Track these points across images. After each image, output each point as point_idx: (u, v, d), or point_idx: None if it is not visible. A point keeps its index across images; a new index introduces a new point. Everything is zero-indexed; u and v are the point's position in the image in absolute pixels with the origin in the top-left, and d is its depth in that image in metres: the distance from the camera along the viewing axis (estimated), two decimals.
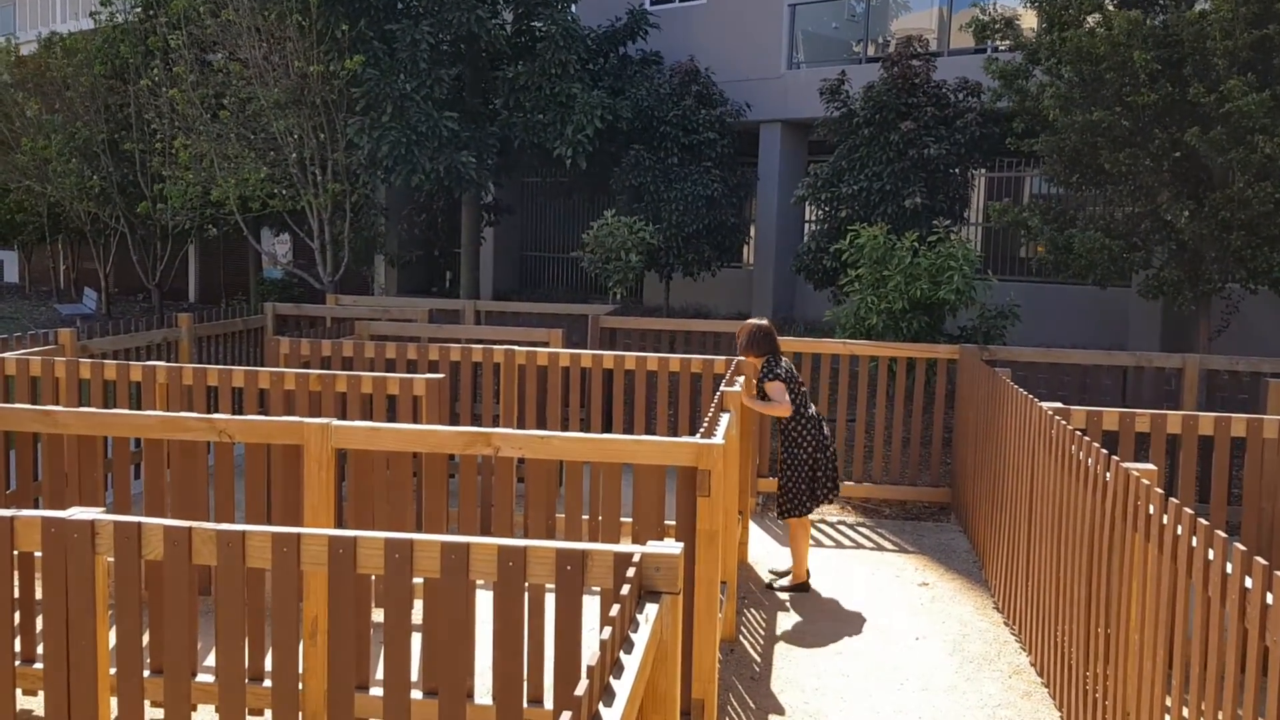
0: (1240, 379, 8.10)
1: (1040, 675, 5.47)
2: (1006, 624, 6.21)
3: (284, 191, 14.53)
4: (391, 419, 6.34)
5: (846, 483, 8.76)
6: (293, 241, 18.36)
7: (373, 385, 6.29)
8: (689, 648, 4.60)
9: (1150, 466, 4.32)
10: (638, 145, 15.10)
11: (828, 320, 10.87)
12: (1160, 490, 3.92)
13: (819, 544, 7.75)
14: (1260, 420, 5.56)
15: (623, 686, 2.52)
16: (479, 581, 4.19)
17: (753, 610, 6.40)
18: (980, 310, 10.05)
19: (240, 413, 6.57)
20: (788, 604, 6.51)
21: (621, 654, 2.73)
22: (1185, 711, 3.66)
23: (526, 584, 3.28)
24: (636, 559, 3.09)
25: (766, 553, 7.51)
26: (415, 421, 6.17)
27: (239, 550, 3.26)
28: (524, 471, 5.16)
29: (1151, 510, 3.95)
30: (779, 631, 6.07)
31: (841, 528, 8.18)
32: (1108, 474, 4.42)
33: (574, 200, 19.30)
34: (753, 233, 17.60)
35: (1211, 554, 3.46)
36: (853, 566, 7.24)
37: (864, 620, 6.24)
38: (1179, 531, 3.70)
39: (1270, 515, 5.58)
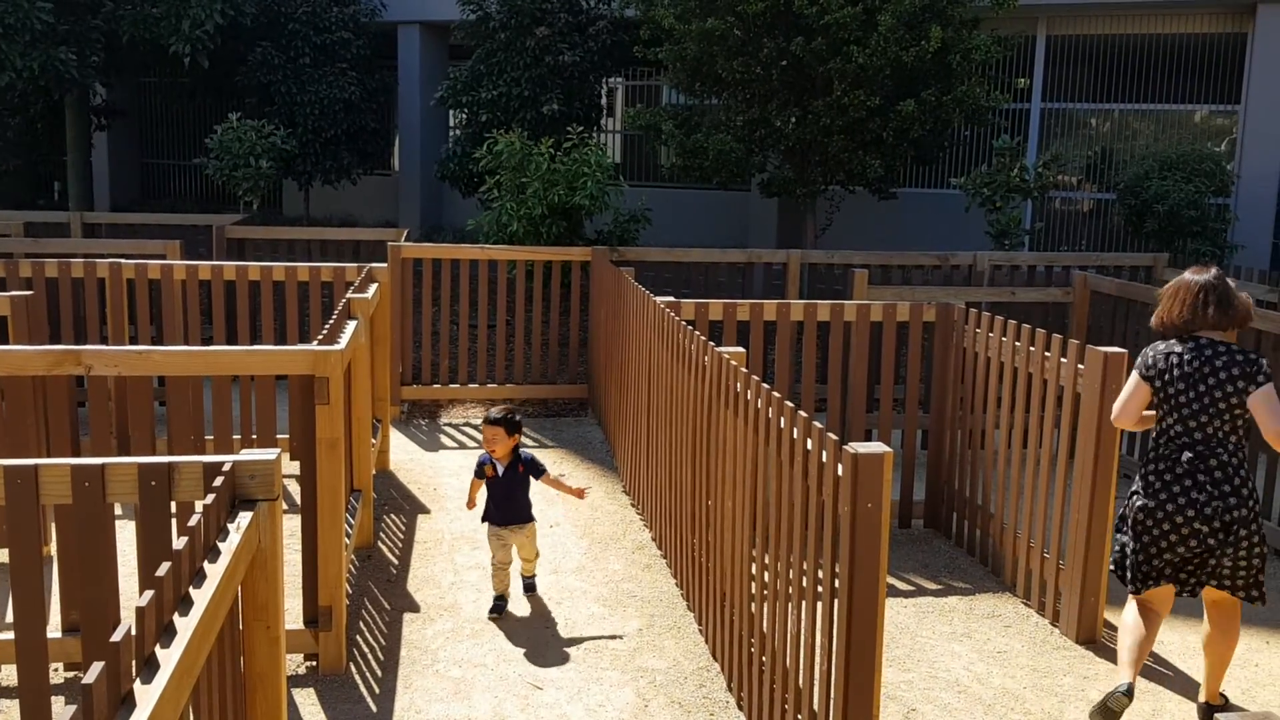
0: (835, 271, 8.97)
1: (660, 549, 5.91)
2: (633, 505, 6.63)
3: None
4: None
5: (490, 385, 8.91)
6: None
7: None
8: (312, 556, 4.56)
9: (739, 349, 4.71)
10: (265, 43, 14.19)
11: (471, 227, 10.87)
12: (745, 370, 4.30)
13: (462, 446, 7.87)
14: (841, 305, 6.20)
15: (201, 595, 2.46)
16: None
17: (392, 515, 6.42)
18: (614, 214, 10.43)
19: None
20: (429, 507, 6.58)
21: (207, 563, 2.67)
22: (767, 562, 4.09)
23: (111, 506, 3.11)
24: (227, 467, 3.01)
25: (409, 458, 7.53)
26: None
27: None
28: (163, 394, 4.85)
29: (739, 388, 4.33)
30: (418, 534, 6.13)
31: None
32: (706, 358, 4.78)
33: (198, 103, 17.89)
34: (397, 139, 17.15)
35: (784, 423, 3.85)
36: None
37: None
38: (759, 405, 4.09)
39: (852, 390, 6.27)
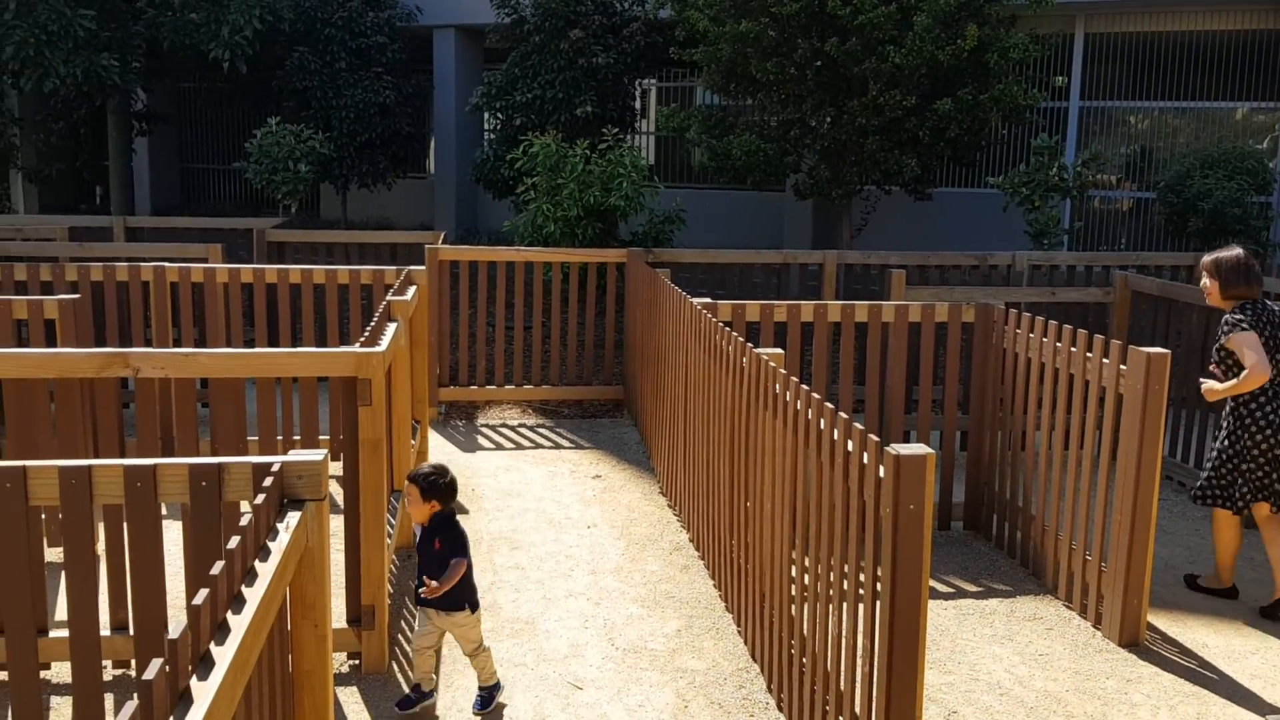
0: (871, 272, 8.94)
1: (697, 550, 5.91)
2: (670, 507, 6.64)
3: None
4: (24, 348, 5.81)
5: (526, 386, 8.96)
6: None
7: None
8: (356, 556, 4.61)
9: (778, 350, 4.72)
10: (302, 48, 14.33)
11: (507, 229, 10.93)
12: (784, 371, 4.30)
13: (499, 447, 7.92)
14: (880, 306, 6.18)
15: (253, 593, 2.51)
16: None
17: None
18: (649, 216, 10.45)
19: None
20: (467, 508, 6.62)
21: (258, 562, 2.71)
22: (807, 564, 4.09)
23: (163, 506, 3.17)
24: (276, 468, 3.05)
25: (447, 459, 7.58)
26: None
27: None
28: (206, 396, 4.92)
29: (778, 389, 4.33)
30: None
31: (523, 430, 8.37)
32: (744, 359, 4.79)
33: (236, 108, 18.12)
34: (432, 142, 17.26)
35: (823, 424, 3.85)
36: (532, 465, 7.45)
37: (540, 515, 6.47)
38: (799, 406, 4.09)
39: (890, 391, 6.25)
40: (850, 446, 3.61)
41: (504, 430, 8.40)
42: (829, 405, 3.81)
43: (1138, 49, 13.72)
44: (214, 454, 5.33)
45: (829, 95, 10.84)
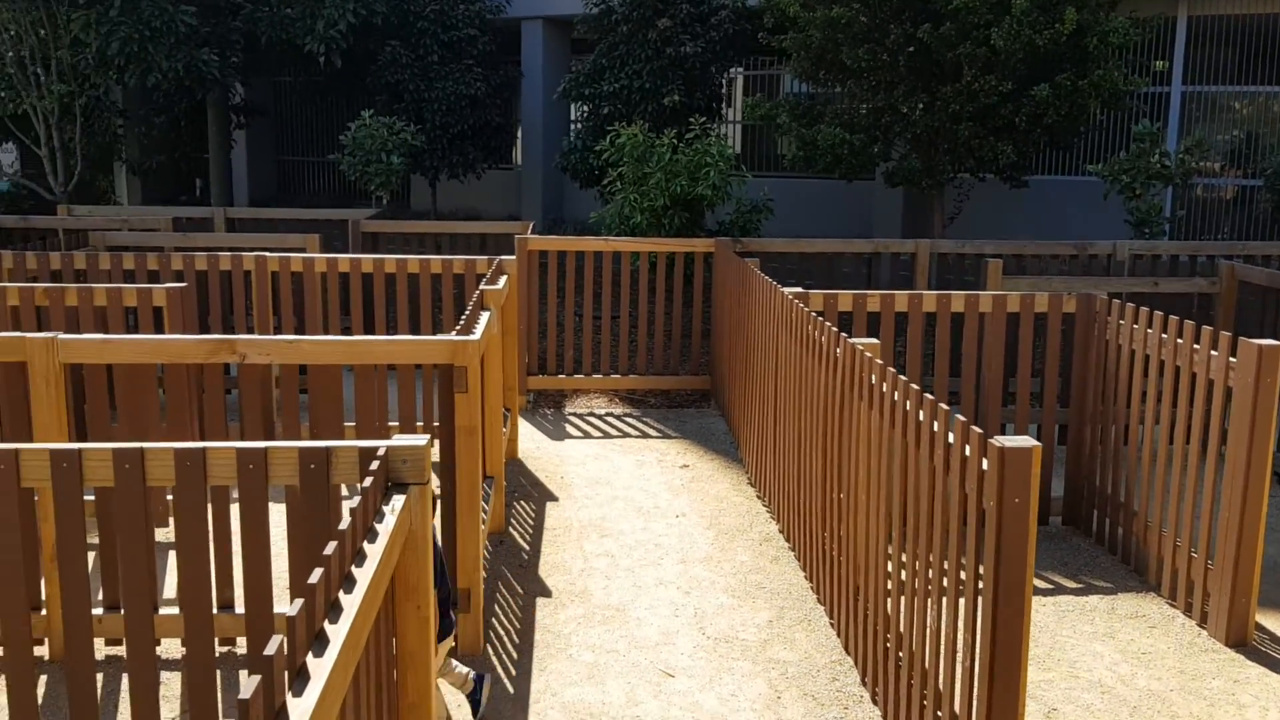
0: (965, 261, 8.77)
1: (787, 541, 5.88)
2: (759, 497, 6.61)
3: (2, 94, 13.22)
4: (135, 334, 6.01)
5: (614, 375, 8.99)
6: (19, 150, 16.78)
7: (107, 297, 5.93)
8: (452, 540, 4.68)
9: (874, 341, 4.66)
10: (395, 41, 14.56)
11: (594, 220, 10.97)
12: (880, 362, 4.24)
13: (587, 435, 7.96)
14: (977, 296, 6.07)
15: (363, 573, 2.56)
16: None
17: (522, 503, 6.54)
18: (737, 205, 10.39)
19: None
20: (557, 495, 6.68)
21: (365, 543, 2.77)
22: (904, 558, 4.04)
23: (271, 486, 3.25)
24: (381, 452, 3.11)
25: (536, 447, 7.65)
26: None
27: None
28: (305, 382, 5.05)
29: (874, 380, 4.28)
30: (548, 521, 6.24)
31: (610, 419, 8.41)
32: (838, 350, 4.74)
33: (330, 101, 18.48)
34: (519, 133, 17.40)
35: (922, 415, 3.79)
36: (620, 454, 7.49)
37: (629, 504, 6.50)
38: (896, 398, 4.04)
39: (986, 382, 6.13)
40: (952, 439, 3.55)
41: (591, 419, 8.44)
42: (929, 396, 3.75)
43: (1243, 32, 13.21)
44: (313, 438, 5.45)
45: (921, 81, 10.64)
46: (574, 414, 8.61)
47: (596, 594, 5.26)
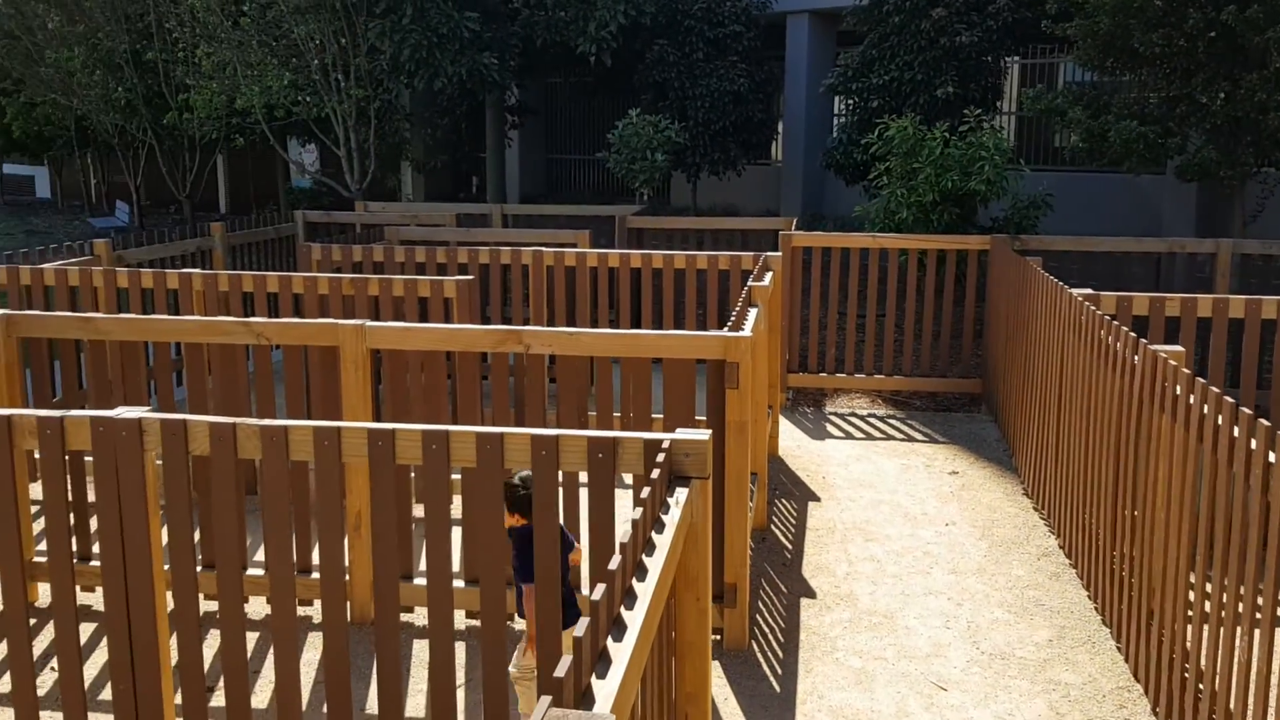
0: (1274, 263, 8.00)
1: (1068, 557, 5.56)
2: (1036, 509, 6.29)
3: (308, 99, 14.45)
4: (424, 322, 6.42)
5: (877, 375, 8.81)
6: (319, 150, 18.32)
7: (404, 288, 6.36)
8: (720, 535, 4.71)
9: (1178, 348, 4.33)
10: (662, 40, 14.83)
11: (858, 215, 10.77)
12: (1188, 371, 3.93)
13: (849, 436, 7.84)
14: None
15: (654, 563, 2.61)
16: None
17: (784, 501, 6.51)
18: (1012, 201, 9.93)
19: (276, 318, 6.67)
20: (819, 495, 6.61)
21: (653, 534, 2.83)
22: (1208, 587, 3.73)
23: (560, 473, 3.38)
24: (666, 445, 3.17)
25: (796, 445, 7.60)
26: (447, 323, 6.24)
27: (283, 443, 3.36)
28: (555, 371, 5.25)
29: (1178, 391, 3.97)
30: (810, 521, 6.18)
31: (872, 420, 8.25)
32: (1136, 357, 4.44)
33: (598, 100, 19.07)
34: (780, 129, 17.35)
35: (1237, 431, 3.49)
36: (884, 457, 7.32)
37: (895, 508, 6.34)
38: (1205, 411, 3.73)
39: None
40: (1273, 458, 3.24)
41: (853, 419, 8.30)
42: (1245, 410, 3.44)
43: None
44: (560, 427, 5.63)
45: (1222, 68, 9.80)
46: (834, 413, 8.49)
47: (863, 599, 5.17)
